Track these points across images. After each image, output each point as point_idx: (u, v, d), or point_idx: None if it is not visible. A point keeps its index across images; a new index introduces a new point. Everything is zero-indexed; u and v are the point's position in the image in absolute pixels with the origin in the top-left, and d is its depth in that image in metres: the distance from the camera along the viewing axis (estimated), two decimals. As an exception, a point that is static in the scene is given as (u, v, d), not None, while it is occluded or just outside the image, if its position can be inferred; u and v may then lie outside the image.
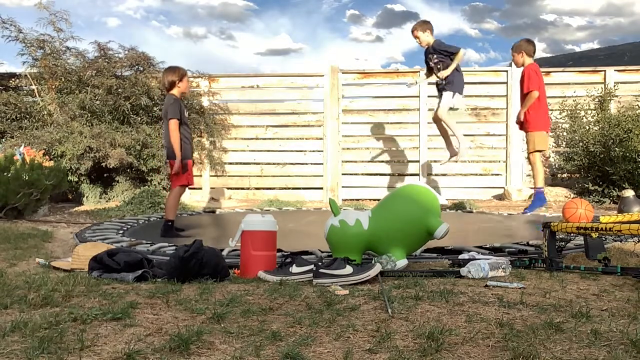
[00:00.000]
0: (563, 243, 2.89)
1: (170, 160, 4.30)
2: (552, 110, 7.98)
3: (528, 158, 4.61)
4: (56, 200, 7.18)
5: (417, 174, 8.16)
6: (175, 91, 4.27)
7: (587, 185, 7.25)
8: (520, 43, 4.66)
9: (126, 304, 1.97)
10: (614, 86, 7.82)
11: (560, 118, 7.90)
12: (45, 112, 7.49)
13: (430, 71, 5.52)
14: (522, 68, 4.76)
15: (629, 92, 7.91)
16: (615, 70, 8.09)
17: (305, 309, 1.94)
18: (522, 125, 4.54)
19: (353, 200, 8.17)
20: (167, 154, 4.32)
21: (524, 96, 4.50)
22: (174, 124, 4.13)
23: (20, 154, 5.67)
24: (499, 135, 8.14)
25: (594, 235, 2.74)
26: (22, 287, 2.30)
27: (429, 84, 8.14)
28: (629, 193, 5.43)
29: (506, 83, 8.01)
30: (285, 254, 2.89)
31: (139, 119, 7.71)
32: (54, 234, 4.46)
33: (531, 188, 4.52)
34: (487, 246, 3.34)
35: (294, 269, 2.54)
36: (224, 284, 2.43)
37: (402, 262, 2.73)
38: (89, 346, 1.50)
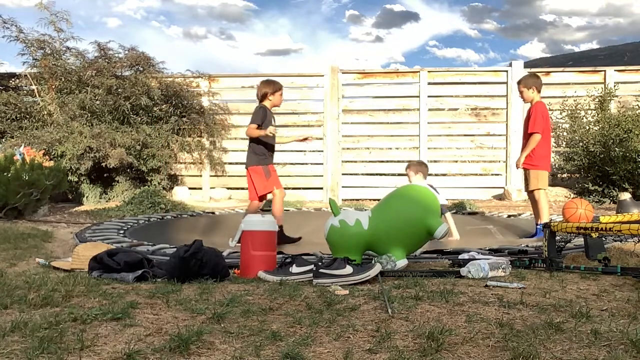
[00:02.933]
0: (563, 243, 2.89)
1: (248, 168, 4.33)
2: (552, 110, 7.98)
3: (531, 195, 4.47)
4: (56, 200, 7.18)
5: (417, 174, 8.15)
6: (266, 103, 4.35)
7: (587, 185, 7.25)
8: (530, 78, 4.43)
9: (126, 304, 1.97)
10: (614, 86, 7.82)
11: (561, 118, 7.90)
12: (45, 112, 7.49)
13: None
14: (527, 102, 4.52)
15: (629, 92, 7.91)
16: (615, 70, 8.10)
17: (305, 309, 1.94)
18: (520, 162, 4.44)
19: (353, 200, 8.17)
20: (246, 162, 4.38)
21: (527, 134, 4.37)
22: (251, 128, 4.21)
23: (20, 154, 5.67)
24: (499, 135, 8.14)
25: (594, 235, 2.74)
26: (22, 287, 2.30)
27: (429, 83, 8.17)
28: (626, 196, 5.45)
29: (506, 83, 8.01)
30: (286, 255, 2.89)
31: (139, 119, 7.71)
32: (54, 234, 4.46)
33: (538, 224, 4.35)
34: (487, 247, 3.34)
35: (294, 269, 2.54)
36: (224, 284, 2.43)
37: (402, 262, 2.73)
38: (89, 346, 1.50)
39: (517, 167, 4.41)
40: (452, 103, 8.38)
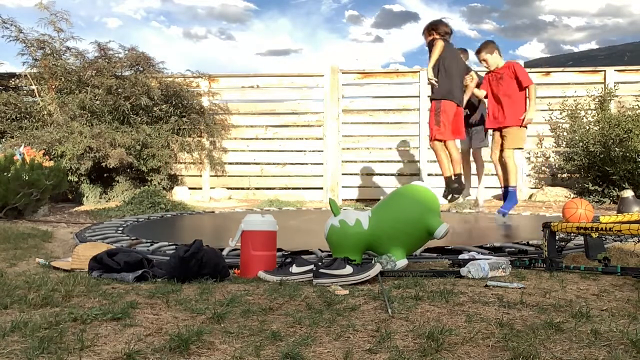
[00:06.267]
0: (563, 243, 2.89)
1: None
2: (552, 110, 7.99)
3: (500, 156, 4.36)
4: (56, 200, 7.18)
5: (417, 174, 8.16)
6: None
7: (587, 185, 7.26)
8: (488, 43, 4.40)
9: (126, 304, 1.97)
10: (614, 86, 7.82)
11: (561, 118, 7.91)
12: (45, 112, 7.49)
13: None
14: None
15: (629, 92, 7.91)
16: (615, 70, 8.10)
17: (305, 309, 1.94)
18: (499, 120, 4.32)
19: (353, 200, 8.17)
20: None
21: (512, 94, 4.28)
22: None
23: (20, 154, 5.68)
24: (499, 135, 8.14)
25: (594, 235, 2.74)
26: (22, 287, 2.30)
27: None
28: (628, 193, 5.43)
29: (506, 83, 8.01)
30: (286, 253, 2.89)
31: (139, 119, 7.72)
32: (54, 234, 4.46)
33: (510, 187, 4.22)
34: (487, 246, 3.34)
35: (294, 269, 2.54)
36: (224, 284, 2.42)
37: (402, 262, 2.73)
38: (89, 346, 1.50)
39: (525, 124, 4.30)
40: (452, 103, 8.37)
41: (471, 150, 5.56)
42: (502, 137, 4.36)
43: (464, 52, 4.69)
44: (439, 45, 4.16)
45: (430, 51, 4.25)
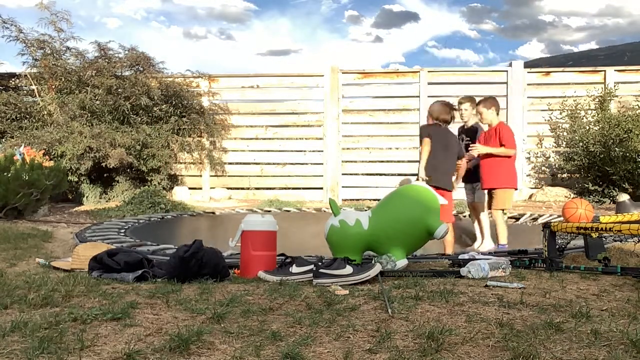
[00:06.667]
0: (563, 243, 2.89)
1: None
2: (552, 110, 8.00)
3: (490, 214, 4.35)
4: (56, 200, 7.18)
5: (417, 174, 8.15)
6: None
7: (587, 185, 7.25)
8: (489, 99, 4.35)
9: (126, 304, 1.97)
10: (614, 86, 7.82)
11: (560, 118, 7.91)
12: (45, 112, 7.49)
13: None
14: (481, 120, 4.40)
15: (629, 92, 7.91)
16: (615, 70, 8.10)
17: (305, 309, 1.94)
18: (486, 180, 4.29)
19: (353, 200, 8.17)
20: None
21: (496, 154, 4.25)
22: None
23: (20, 154, 5.68)
24: (499, 135, 8.13)
25: (594, 235, 2.74)
26: (22, 287, 2.30)
27: (429, 83, 8.16)
28: (624, 197, 5.44)
29: (506, 83, 8.00)
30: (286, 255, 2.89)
31: (139, 119, 7.72)
32: (54, 234, 4.46)
33: (500, 245, 4.18)
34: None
35: (294, 269, 2.54)
36: (224, 284, 2.43)
37: (402, 262, 2.73)
38: (89, 346, 1.50)
39: (473, 156, 4.22)
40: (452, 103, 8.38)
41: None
42: (490, 197, 4.34)
43: (472, 100, 4.57)
44: (426, 149, 4.04)
45: (421, 137, 4.13)
